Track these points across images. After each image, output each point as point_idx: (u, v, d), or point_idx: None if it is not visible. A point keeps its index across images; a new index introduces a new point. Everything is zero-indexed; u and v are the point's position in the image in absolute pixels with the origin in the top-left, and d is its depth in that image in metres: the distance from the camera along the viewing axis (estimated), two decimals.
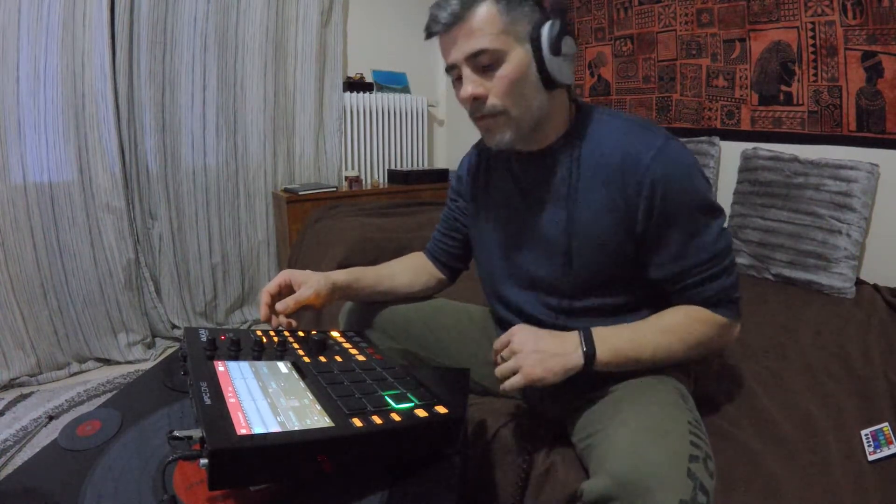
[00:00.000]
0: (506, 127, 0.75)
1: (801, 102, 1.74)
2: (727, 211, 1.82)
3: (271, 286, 0.87)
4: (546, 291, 0.85)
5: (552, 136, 0.80)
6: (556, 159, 0.80)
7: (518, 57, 0.72)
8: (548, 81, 0.73)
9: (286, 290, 0.88)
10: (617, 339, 0.73)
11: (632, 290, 0.81)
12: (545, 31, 0.71)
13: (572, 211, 0.78)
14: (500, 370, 0.74)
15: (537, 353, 0.71)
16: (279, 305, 0.84)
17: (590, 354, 0.71)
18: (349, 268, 0.98)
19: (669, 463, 0.59)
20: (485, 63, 0.72)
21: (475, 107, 0.75)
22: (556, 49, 0.71)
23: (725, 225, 0.78)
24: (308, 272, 0.90)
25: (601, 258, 0.78)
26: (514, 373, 0.72)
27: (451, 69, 0.76)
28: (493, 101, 0.73)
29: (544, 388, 0.90)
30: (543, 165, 0.81)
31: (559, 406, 0.87)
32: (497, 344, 0.76)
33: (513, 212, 0.87)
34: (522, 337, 0.74)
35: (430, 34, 0.75)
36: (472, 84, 0.73)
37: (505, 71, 0.72)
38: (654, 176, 0.71)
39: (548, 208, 0.81)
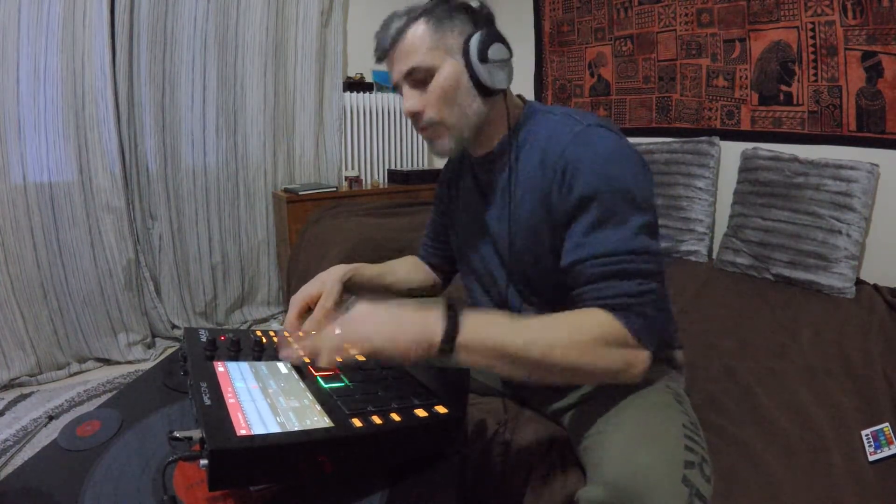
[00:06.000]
0: (444, 135, 0.78)
1: (801, 102, 1.74)
2: (727, 211, 1.85)
3: (293, 322, 0.83)
4: (512, 289, 0.86)
5: (497, 138, 0.83)
6: (498, 161, 0.83)
7: (448, 69, 0.75)
8: (481, 88, 0.75)
9: (308, 315, 0.86)
10: (483, 323, 0.62)
11: None
12: (473, 40, 0.74)
13: (513, 210, 0.81)
14: (339, 338, 0.59)
15: (394, 320, 0.60)
16: (306, 328, 0.82)
17: (450, 333, 0.59)
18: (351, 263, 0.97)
19: (664, 470, 0.59)
20: (420, 78, 0.75)
21: (415, 120, 0.79)
22: (483, 56, 0.74)
23: (655, 230, 0.70)
24: (317, 282, 0.87)
25: (541, 253, 0.79)
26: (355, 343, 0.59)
27: (396, 88, 0.80)
28: (428, 113, 0.77)
29: (534, 385, 0.90)
30: (491, 167, 0.85)
31: (552, 403, 0.87)
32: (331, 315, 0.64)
33: (474, 211, 0.90)
34: (374, 308, 0.62)
35: (378, 59, 0.80)
36: (409, 100, 0.77)
37: (436, 83, 0.75)
38: (568, 158, 0.71)
39: (495, 206, 0.85)
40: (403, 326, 0.59)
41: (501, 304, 0.88)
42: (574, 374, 0.65)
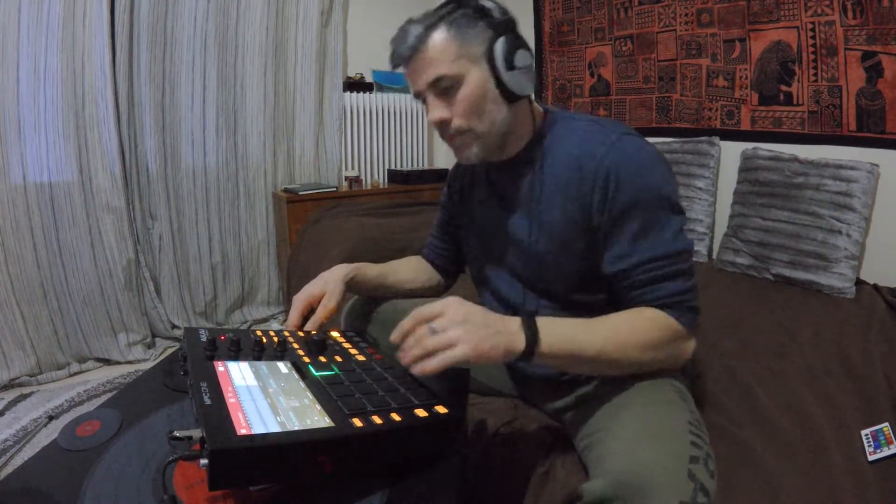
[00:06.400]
0: (472, 143, 0.79)
1: (801, 102, 1.74)
2: (727, 211, 1.85)
3: (296, 321, 0.85)
4: (528, 292, 0.86)
5: (520, 145, 0.83)
6: (522, 166, 0.83)
7: (475, 77, 0.75)
8: (507, 95, 0.76)
9: (310, 314, 0.87)
10: (560, 331, 0.67)
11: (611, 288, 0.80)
12: (498, 48, 0.74)
13: (537, 215, 0.81)
14: (435, 342, 0.61)
15: (486, 327, 0.63)
16: (308, 327, 0.85)
17: (531, 341, 0.64)
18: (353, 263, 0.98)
19: (669, 464, 0.59)
20: (445, 87, 0.75)
21: (443, 129, 0.79)
22: (510, 64, 0.74)
23: (684, 229, 0.75)
24: (320, 282, 0.89)
25: (568, 258, 0.79)
26: (452, 346, 0.61)
27: (418, 96, 0.80)
28: (457, 122, 0.77)
29: (538, 383, 0.90)
30: (513, 173, 0.84)
31: (554, 402, 0.87)
32: (424, 311, 0.64)
33: (491, 217, 0.90)
34: (467, 308, 0.64)
35: (394, 66, 0.79)
36: (437, 109, 0.77)
37: (464, 93, 0.75)
38: (607, 169, 0.73)
39: (518, 213, 0.84)
40: (490, 331, 0.63)
41: (516, 309, 0.88)
42: (639, 368, 0.73)
